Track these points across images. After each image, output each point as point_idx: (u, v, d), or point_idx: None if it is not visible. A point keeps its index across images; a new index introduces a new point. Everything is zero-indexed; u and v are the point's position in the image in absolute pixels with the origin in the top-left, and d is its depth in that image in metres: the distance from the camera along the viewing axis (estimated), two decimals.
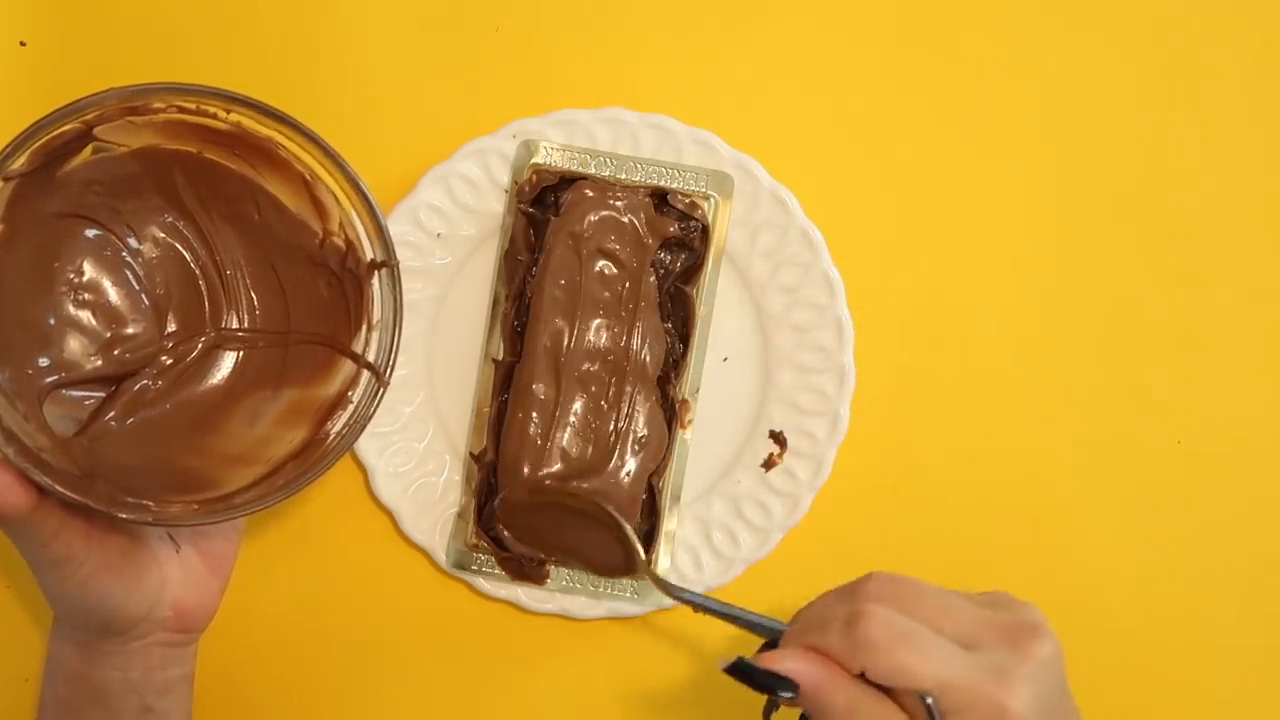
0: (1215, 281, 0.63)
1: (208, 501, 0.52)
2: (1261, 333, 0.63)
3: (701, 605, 0.53)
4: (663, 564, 0.60)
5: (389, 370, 0.55)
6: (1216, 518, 0.63)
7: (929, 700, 0.44)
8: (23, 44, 0.61)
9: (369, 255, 0.55)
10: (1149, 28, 0.63)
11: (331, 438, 0.54)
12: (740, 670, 0.47)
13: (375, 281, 0.55)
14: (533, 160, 0.60)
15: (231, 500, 0.52)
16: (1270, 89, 0.63)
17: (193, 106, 0.53)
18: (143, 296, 0.57)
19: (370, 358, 0.55)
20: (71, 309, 0.56)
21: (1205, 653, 0.63)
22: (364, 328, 0.55)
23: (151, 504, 0.51)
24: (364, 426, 0.54)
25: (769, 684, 0.47)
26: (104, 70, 0.60)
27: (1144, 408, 0.63)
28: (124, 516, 0.49)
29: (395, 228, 0.60)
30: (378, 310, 0.55)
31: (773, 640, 0.50)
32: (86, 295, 0.56)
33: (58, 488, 0.48)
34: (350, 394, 0.55)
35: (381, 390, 0.54)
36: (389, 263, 0.54)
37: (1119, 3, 0.63)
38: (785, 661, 0.46)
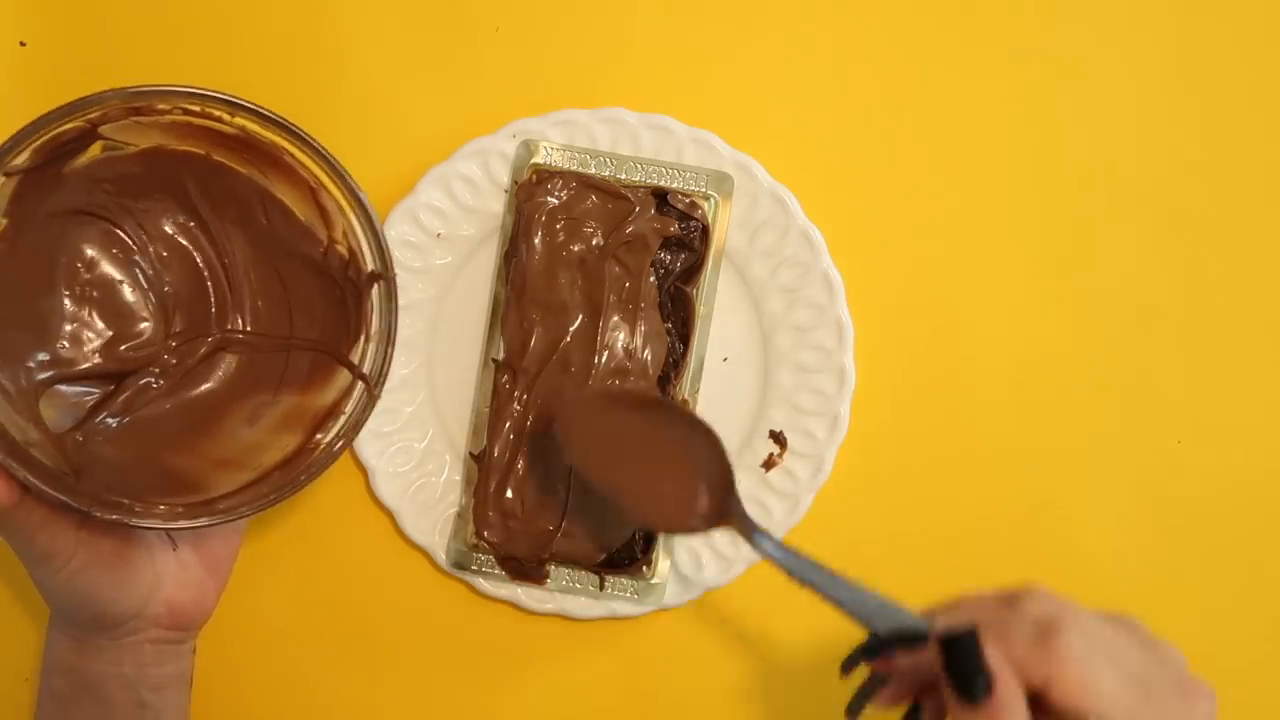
0: (1216, 282, 0.63)
1: (191, 505, 0.52)
2: (1262, 333, 0.63)
3: (804, 577, 0.48)
4: (662, 564, 0.60)
5: (380, 384, 0.54)
6: (1216, 518, 0.63)
7: None
8: (23, 44, 0.61)
9: (370, 265, 0.55)
10: (1151, 29, 0.63)
11: (320, 448, 0.54)
12: (958, 645, 0.43)
13: (374, 293, 0.55)
14: (533, 160, 0.60)
15: (214, 505, 0.52)
16: (1271, 90, 0.63)
17: (198, 109, 0.53)
18: (150, 295, 0.57)
19: (365, 369, 0.55)
20: (76, 305, 0.56)
21: (1205, 652, 0.63)
22: (362, 338, 0.55)
23: (133, 504, 0.51)
24: (352, 438, 0.54)
25: (967, 674, 0.43)
26: (104, 70, 0.60)
27: (1144, 408, 0.63)
28: (101, 515, 0.49)
29: (395, 228, 0.60)
30: (375, 322, 0.55)
31: (884, 640, 0.46)
32: (93, 292, 0.56)
33: (37, 483, 0.48)
34: (344, 404, 0.55)
35: (372, 403, 0.54)
36: (384, 275, 0.54)
37: (1121, 3, 0.63)
38: (997, 661, 0.43)
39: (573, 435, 0.55)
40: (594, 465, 0.55)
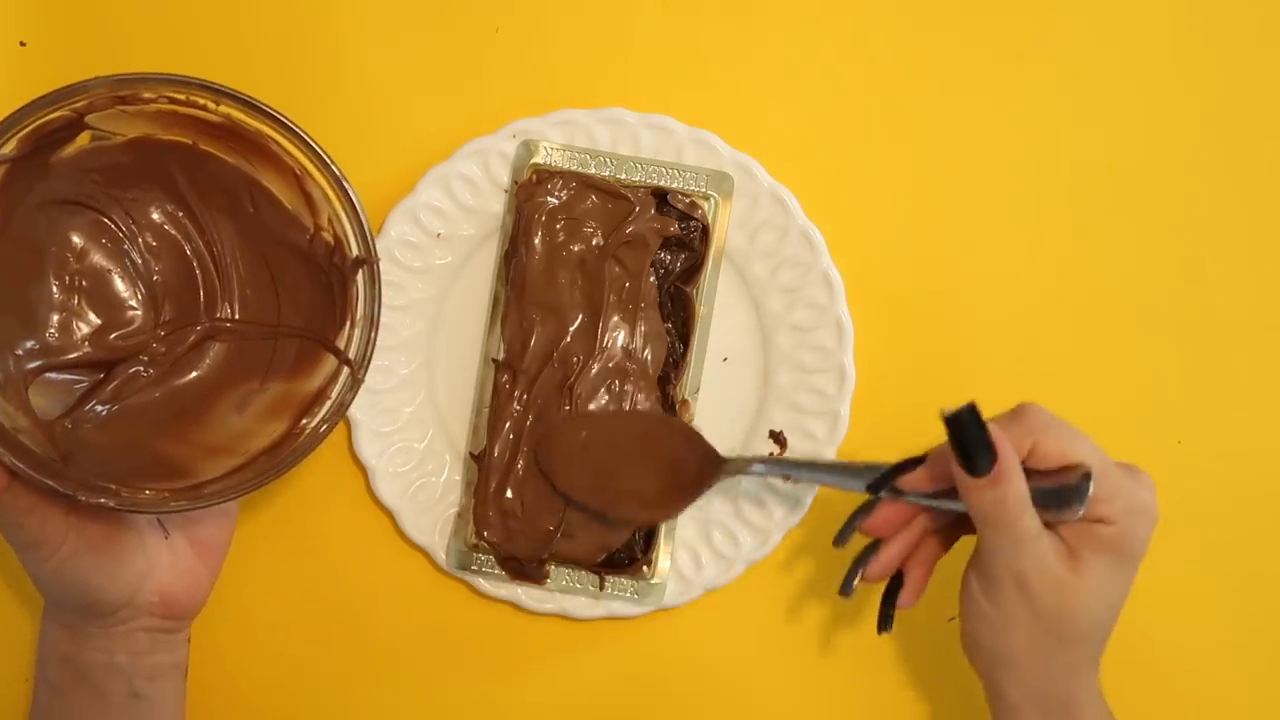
0: (1216, 282, 0.63)
1: (178, 490, 0.52)
2: (1262, 333, 0.63)
3: (794, 474, 0.56)
4: (662, 564, 0.60)
5: (364, 368, 0.54)
6: (1216, 518, 0.63)
7: (1091, 481, 0.49)
8: (23, 44, 0.61)
9: (354, 251, 0.55)
10: (1151, 29, 0.63)
11: (305, 433, 0.54)
12: (961, 422, 0.48)
13: (359, 278, 0.55)
14: (533, 160, 0.60)
15: (201, 489, 0.53)
16: (1271, 90, 0.63)
17: (182, 98, 0.53)
18: (139, 284, 0.58)
19: (350, 355, 0.55)
20: (65, 294, 0.56)
21: (1205, 652, 0.63)
22: (348, 324, 0.56)
23: (119, 489, 0.51)
24: (336, 422, 0.54)
25: (975, 448, 0.48)
26: (104, 70, 0.59)
27: (1144, 408, 0.63)
28: (86, 499, 0.50)
29: (395, 228, 0.60)
30: (359, 307, 0.55)
31: (883, 476, 0.52)
32: (82, 281, 0.56)
33: (24, 468, 0.49)
34: (329, 390, 0.55)
35: (356, 387, 0.54)
36: (368, 260, 0.54)
37: (1120, 3, 0.63)
38: (997, 434, 0.49)
39: (555, 467, 0.59)
40: (582, 489, 0.58)
